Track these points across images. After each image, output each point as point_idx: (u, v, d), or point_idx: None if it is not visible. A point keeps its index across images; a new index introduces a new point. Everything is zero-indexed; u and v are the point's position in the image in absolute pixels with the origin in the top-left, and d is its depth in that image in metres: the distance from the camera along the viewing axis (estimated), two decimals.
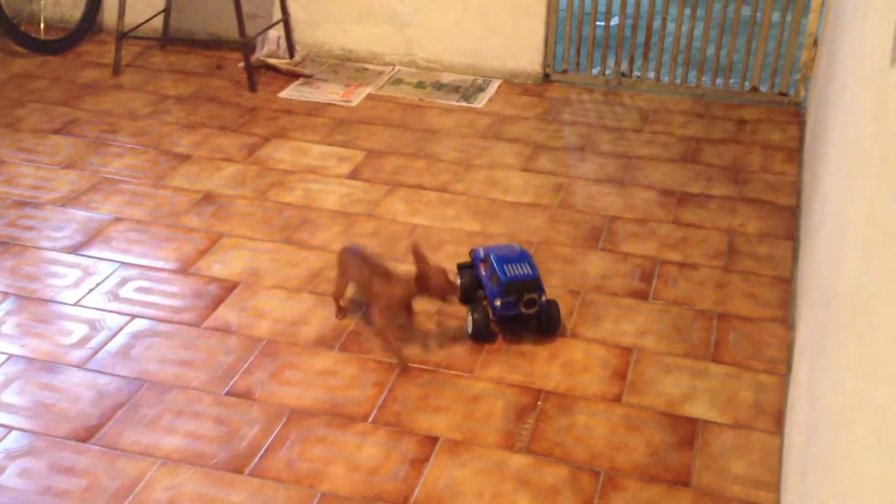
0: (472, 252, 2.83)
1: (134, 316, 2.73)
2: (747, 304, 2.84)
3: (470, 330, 2.62)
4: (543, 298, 2.61)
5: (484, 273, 2.69)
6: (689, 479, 2.20)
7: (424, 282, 2.51)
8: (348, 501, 2.13)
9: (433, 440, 2.31)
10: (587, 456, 2.27)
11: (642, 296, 2.87)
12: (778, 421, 2.37)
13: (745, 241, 3.17)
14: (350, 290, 2.77)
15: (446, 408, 2.41)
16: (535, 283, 2.59)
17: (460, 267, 2.82)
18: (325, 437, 2.31)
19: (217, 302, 2.80)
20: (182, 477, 2.19)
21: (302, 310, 2.78)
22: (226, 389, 2.46)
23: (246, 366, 2.55)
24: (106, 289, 2.85)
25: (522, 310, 2.58)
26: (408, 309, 2.65)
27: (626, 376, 2.54)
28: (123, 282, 2.89)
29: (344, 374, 2.53)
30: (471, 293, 2.76)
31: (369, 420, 2.37)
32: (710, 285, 2.93)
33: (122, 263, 2.98)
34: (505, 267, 2.60)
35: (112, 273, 2.93)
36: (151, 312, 2.75)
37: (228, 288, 2.87)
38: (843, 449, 1.38)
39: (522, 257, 2.66)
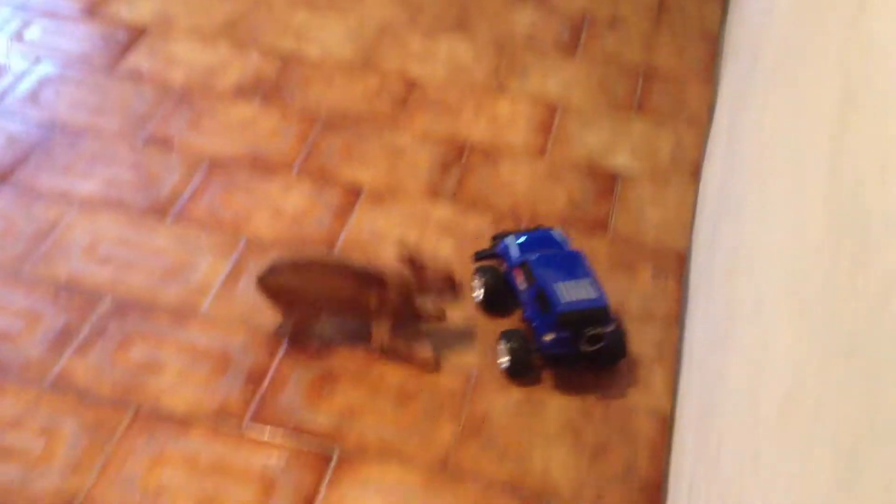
0: (499, 242, 2.04)
1: (40, 59, 2.59)
2: (673, 60, 2.83)
3: (505, 365, 1.90)
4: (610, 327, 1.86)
5: (522, 286, 1.93)
6: (606, 227, 2.27)
7: (423, 284, 1.89)
8: (274, 246, 2.15)
9: (357, 190, 2.32)
10: (509, 205, 2.31)
11: (570, 51, 2.83)
12: (695, 173, 2.44)
13: None
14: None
15: (371, 160, 2.40)
16: (603, 313, 1.83)
17: (478, 257, 2.06)
18: (247, 186, 2.29)
19: (127, 47, 2.67)
20: (102, 221, 2.16)
21: (218, 58, 2.67)
22: (142, 137, 2.39)
23: (161, 113, 2.47)
24: (9, 31, 2.68)
25: (583, 348, 1.84)
26: (413, 314, 1.96)
27: (551, 130, 2.54)
28: (26, 24, 2.71)
29: (265, 125, 2.48)
30: (496, 299, 2.01)
31: (293, 170, 2.35)
32: (638, 40, 2.90)
33: (23, 4, 2.78)
34: (558, 288, 1.84)
35: (13, 15, 2.74)
36: (59, 56, 2.61)
37: (138, 33, 2.72)
38: (759, 186, 1.42)
39: (576, 266, 1.89)
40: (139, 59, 2.63)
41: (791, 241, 1.09)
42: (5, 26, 2.70)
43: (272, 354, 1.91)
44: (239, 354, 1.90)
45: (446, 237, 2.21)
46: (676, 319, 2.05)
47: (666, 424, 1.84)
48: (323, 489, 1.68)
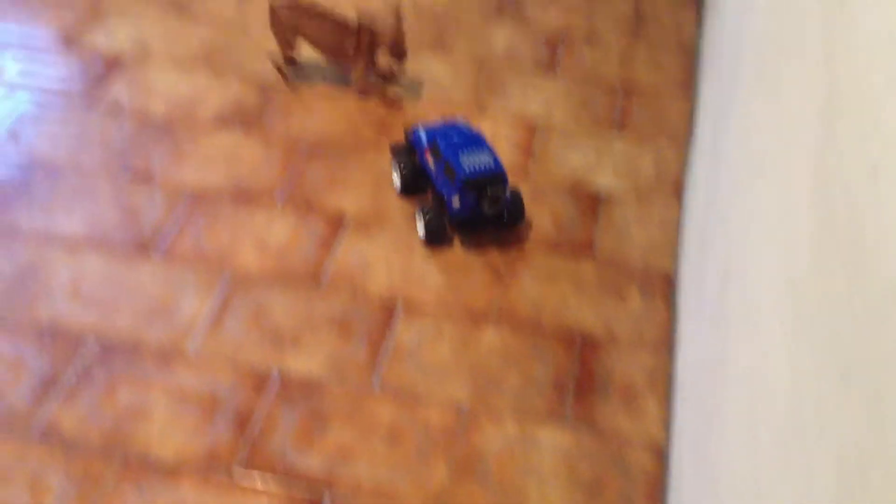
0: (411, 132, 2.36)
1: (17, 92, 2.56)
2: (651, 74, 2.83)
3: (422, 234, 2.24)
4: (508, 192, 2.25)
5: (432, 164, 2.27)
6: (591, 250, 2.26)
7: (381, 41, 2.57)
8: (260, 280, 2.13)
9: (341, 218, 2.30)
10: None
11: (548, 67, 2.83)
12: (678, 191, 2.44)
13: (651, 9, 3.12)
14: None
15: (354, 186, 2.39)
16: (500, 177, 2.17)
17: (395, 152, 2.37)
18: (231, 219, 2.28)
19: (105, 78, 2.64)
20: (84, 260, 2.14)
21: (197, 87, 2.65)
22: (122, 171, 2.37)
23: (142, 146, 2.44)
24: None
25: (485, 209, 2.20)
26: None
27: (532, 150, 2.54)
28: (1, 55, 2.68)
29: (247, 155, 2.46)
30: (412, 184, 2.35)
31: (276, 200, 2.33)
32: (616, 55, 2.90)
33: None
34: (461, 158, 2.19)
35: None
36: (36, 90, 2.58)
37: (116, 63, 2.70)
38: (746, 198, 1.41)
39: (477, 142, 2.23)
40: (118, 90, 2.60)
41: (782, 254, 1.08)
42: None
43: (260, 393, 1.89)
44: (226, 396, 1.89)
45: (432, 264, 2.20)
46: (667, 344, 2.04)
47: (661, 455, 1.83)
48: None
